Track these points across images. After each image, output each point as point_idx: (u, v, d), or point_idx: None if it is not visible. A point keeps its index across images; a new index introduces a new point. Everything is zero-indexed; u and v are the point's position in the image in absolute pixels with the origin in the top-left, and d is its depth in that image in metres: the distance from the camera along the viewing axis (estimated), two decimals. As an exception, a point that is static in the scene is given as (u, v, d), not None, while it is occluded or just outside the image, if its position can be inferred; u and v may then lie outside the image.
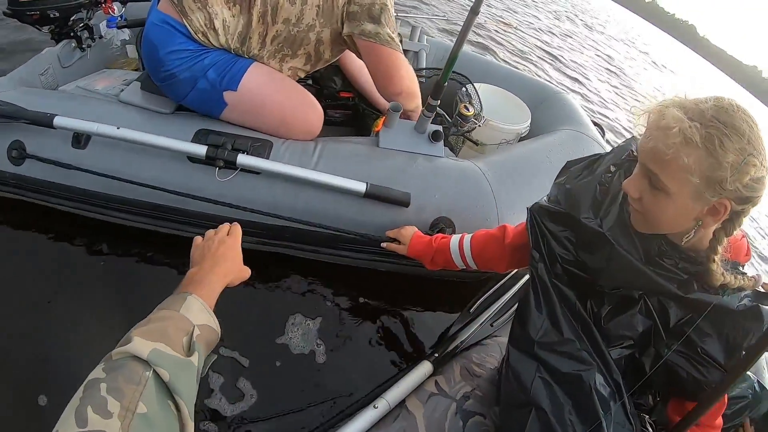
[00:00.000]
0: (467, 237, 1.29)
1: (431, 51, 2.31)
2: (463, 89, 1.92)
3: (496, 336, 1.39)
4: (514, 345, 0.98)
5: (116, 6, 1.95)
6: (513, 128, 1.88)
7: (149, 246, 1.64)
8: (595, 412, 0.82)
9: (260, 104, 1.43)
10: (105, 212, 1.54)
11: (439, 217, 1.44)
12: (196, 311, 0.69)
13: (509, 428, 0.95)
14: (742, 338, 0.78)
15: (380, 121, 1.54)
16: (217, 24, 1.35)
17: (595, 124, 2.07)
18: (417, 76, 1.63)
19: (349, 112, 2.03)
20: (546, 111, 2.01)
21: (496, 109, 1.91)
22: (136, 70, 2.07)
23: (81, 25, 1.85)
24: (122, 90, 1.67)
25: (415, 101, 1.55)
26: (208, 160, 1.34)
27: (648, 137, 0.76)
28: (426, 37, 2.28)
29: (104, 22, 2.00)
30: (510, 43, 6.60)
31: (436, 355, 1.27)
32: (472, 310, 1.52)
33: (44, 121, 1.37)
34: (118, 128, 1.36)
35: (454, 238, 1.31)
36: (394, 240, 1.39)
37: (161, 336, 0.60)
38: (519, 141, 1.93)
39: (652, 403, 0.94)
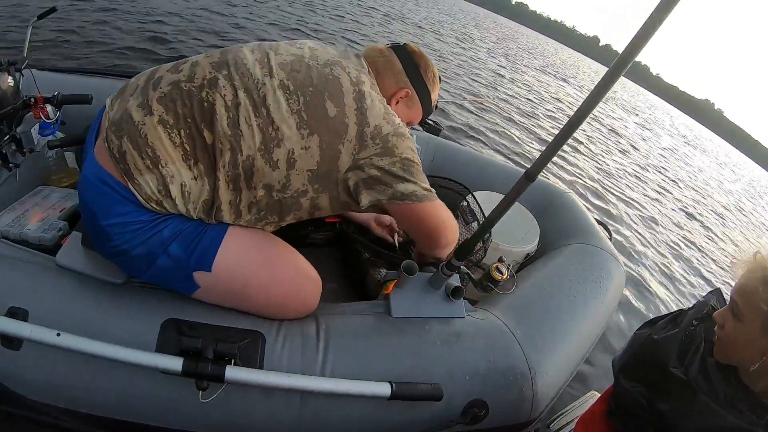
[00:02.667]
0: None
1: (428, 152, 2.08)
2: (464, 203, 1.71)
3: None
4: None
5: (49, 109, 1.56)
6: (523, 250, 1.69)
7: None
8: None
9: (242, 285, 1.12)
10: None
11: (472, 401, 1.22)
12: None
13: None
14: None
15: (391, 285, 1.28)
16: (174, 190, 1.02)
17: (600, 223, 1.94)
18: None
19: (331, 233, 1.75)
20: (552, 220, 1.85)
21: (501, 226, 1.71)
22: (75, 186, 1.73)
23: (6, 138, 1.47)
24: (58, 232, 1.41)
25: (452, 248, 1.30)
26: (185, 375, 1.02)
27: (741, 276, 0.89)
28: (415, 136, 2.03)
29: (35, 128, 1.59)
30: (490, 119, 6.32)
31: None
32: (550, 424, 1.47)
33: None
34: (58, 334, 1.01)
35: None
36: None
37: None
38: (526, 258, 1.75)
39: None
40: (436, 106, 1.36)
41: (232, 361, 1.05)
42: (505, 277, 1.25)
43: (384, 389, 1.09)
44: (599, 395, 1.18)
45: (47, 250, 1.36)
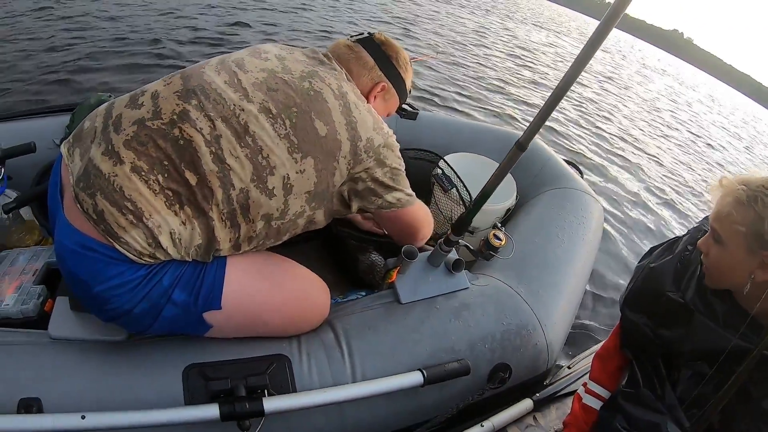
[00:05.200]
0: (590, 386, 1.23)
1: (390, 122, 2.03)
2: (438, 171, 1.72)
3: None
4: None
5: None
6: (503, 206, 1.73)
7: None
8: None
9: (256, 314, 1.11)
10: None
11: (496, 366, 1.28)
12: None
13: None
14: None
15: (394, 272, 1.30)
16: (164, 240, 0.95)
17: (569, 163, 2.00)
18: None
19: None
20: (524, 170, 1.88)
21: (478, 185, 1.74)
22: (40, 241, 1.61)
23: None
24: (38, 299, 1.31)
25: (426, 239, 1.36)
26: (225, 419, 1.01)
27: (715, 203, 0.95)
28: None
29: None
30: (443, 72, 6.06)
31: (537, 395, 1.37)
32: (570, 365, 1.58)
33: None
34: (83, 417, 0.96)
35: (584, 398, 1.22)
36: None
37: None
38: (507, 213, 1.80)
39: None
40: (410, 92, 1.36)
41: (265, 391, 1.06)
42: (503, 242, 1.29)
43: (417, 378, 1.13)
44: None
45: (33, 322, 1.29)
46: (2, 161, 1.46)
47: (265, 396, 1.04)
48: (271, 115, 0.99)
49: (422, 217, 1.27)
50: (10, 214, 1.63)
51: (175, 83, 1.03)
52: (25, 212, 1.67)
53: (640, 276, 1.13)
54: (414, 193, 1.21)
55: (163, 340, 1.14)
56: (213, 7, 6.06)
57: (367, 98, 1.21)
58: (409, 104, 1.37)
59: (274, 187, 1.00)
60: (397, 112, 1.41)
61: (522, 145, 1.06)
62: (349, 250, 1.64)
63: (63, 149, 1.04)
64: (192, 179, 0.95)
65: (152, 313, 1.02)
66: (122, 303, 0.99)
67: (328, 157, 1.03)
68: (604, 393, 1.19)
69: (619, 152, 5.30)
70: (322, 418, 1.11)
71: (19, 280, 1.48)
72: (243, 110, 0.98)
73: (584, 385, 1.24)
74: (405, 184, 1.18)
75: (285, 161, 0.99)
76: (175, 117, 0.97)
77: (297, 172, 1.01)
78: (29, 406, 0.99)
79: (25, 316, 1.39)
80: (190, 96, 0.99)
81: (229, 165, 0.96)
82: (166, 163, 0.95)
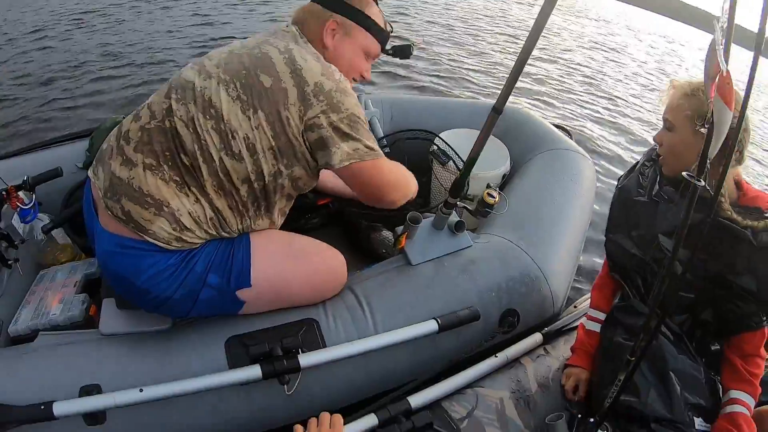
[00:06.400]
0: (590, 313, 1.36)
1: (385, 112, 2.18)
2: (434, 147, 1.84)
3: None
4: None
5: (23, 195, 1.57)
6: (498, 172, 1.85)
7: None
8: (662, 352, 1.11)
9: (286, 287, 1.24)
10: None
11: (504, 312, 1.39)
12: None
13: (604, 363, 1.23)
14: None
15: (403, 237, 1.42)
16: (186, 221, 1.09)
17: (558, 127, 2.11)
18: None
19: (326, 214, 1.87)
20: (515, 138, 2.00)
21: (472, 156, 1.87)
22: (74, 258, 1.75)
23: None
24: (83, 305, 1.43)
25: (409, 196, 1.35)
26: (267, 377, 1.14)
27: (666, 100, 1.13)
28: (369, 100, 2.12)
29: (16, 218, 1.60)
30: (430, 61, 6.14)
31: (546, 329, 1.47)
32: (576, 305, 1.67)
33: (41, 416, 1.06)
34: (141, 390, 1.10)
35: (587, 325, 1.34)
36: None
37: None
38: (503, 179, 1.91)
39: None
40: (391, 27, 1.32)
41: (299, 350, 1.18)
42: (497, 199, 1.40)
43: (432, 326, 1.26)
44: None
45: (81, 326, 1.42)
46: (32, 188, 1.59)
47: (299, 354, 1.17)
48: (224, 83, 1.09)
49: (386, 176, 1.22)
50: (45, 236, 1.77)
51: (162, 89, 1.18)
52: (58, 234, 1.81)
53: (613, 199, 1.31)
54: (379, 149, 1.18)
55: (204, 321, 1.27)
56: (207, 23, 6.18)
57: (324, 44, 1.21)
58: (398, 38, 1.40)
59: (239, 150, 1.08)
60: (385, 51, 1.39)
61: (497, 108, 1.18)
62: (362, 230, 1.77)
63: (90, 172, 1.20)
64: (186, 161, 1.09)
65: (191, 297, 1.16)
66: (162, 290, 1.13)
67: (276, 107, 1.07)
68: (603, 317, 1.31)
69: (606, 113, 5.37)
70: (351, 370, 1.24)
71: (61, 293, 1.60)
72: (206, 88, 1.10)
73: (586, 315, 1.37)
74: (366, 135, 1.15)
75: (241, 122, 1.07)
76: (164, 113, 1.11)
77: (253, 129, 1.08)
78: (90, 390, 1.11)
79: (73, 323, 1.51)
80: (171, 93, 1.13)
81: (204, 141, 1.08)
82: (167, 153, 1.10)
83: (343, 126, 1.10)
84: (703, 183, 0.84)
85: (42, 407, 1.07)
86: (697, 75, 1.11)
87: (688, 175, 0.85)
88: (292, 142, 1.11)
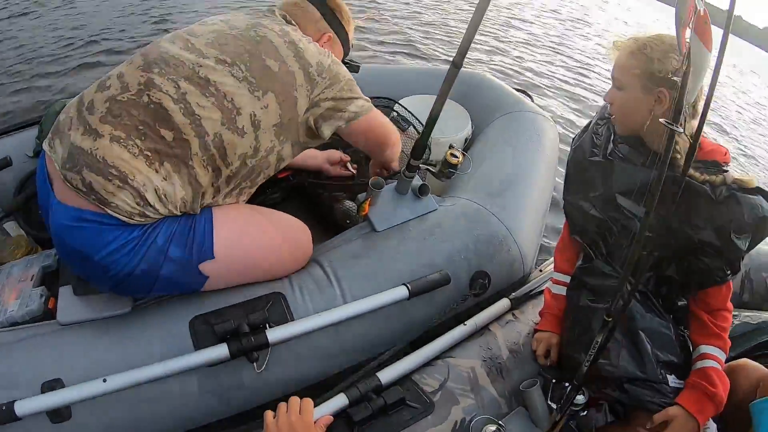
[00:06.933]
0: (555, 276, 1.36)
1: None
2: (394, 114, 1.80)
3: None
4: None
5: None
6: (460, 136, 1.83)
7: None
8: (631, 312, 1.12)
9: (250, 260, 1.21)
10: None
11: (474, 274, 1.39)
12: None
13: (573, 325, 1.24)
14: (728, 222, 1.01)
15: (366, 204, 1.40)
16: (151, 197, 1.06)
17: (520, 91, 2.10)
18: None
19: (285, 187, 1.82)
20: (475, 102, 1.98)
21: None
22: (30, 251, 1.66)
23: None
24: (41, 298, 1.36)
25: (398, 149, 1.46)
26: (234, 356, 1.11)
27: (614, 60, 1.11)
28: None
29: None
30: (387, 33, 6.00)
31: (514, 294, 1.47)
32: (542, 269, 1.66)
33: (3, 417, 0.99)
34: (104, 380, 1.04)
35: (553, 289, 1.35)
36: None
37: None
38: (466, 142, 1.90)
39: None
40: (352, 45, 1.45)
41: (267, 325, 1.15)
42: (460, 159, 1.39)
43: (402, 292, 1.24)
44: None
45: (40, 321, 1.36)
46: None
47: (267, 329, 1.14)
48: (227, 64, 1.11)
49: (386, 120, 1.37)
50: (-2, 230, 1.69)
51: (135, 61, 1.14)
52: (10, 227, 1.72)
53: (568, 160, 1.29)
54: (369, 100, 1.30)
55: (166, 301, 1.22)
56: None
57: None
58: (350, 60, 1.45)
59: (243, 126, 1.11)
60: None
61: (456, 63, 1.15)
62: (324, 202, 1.74)
63: (45, 146, 1.13)
64: (168, 136, 1.07)
65: (152, 273, 1.10)
66: (122, 266, 1.07)
67: (287, 89, 1.15)
68: (568, 280, 1.31)
69: (570, 80, 5.43)
70: (322, 343, 1.22)
71: (18, 287, 1.53)
72: (201, 66, 1.10)
73: (551, 278, 1.37)
74: (361, 93, 1.27)
75: (248, 101, 1.11)
76: (141, 87, 1.08)
77: (261, 108, 1.13)
78: (52, 386, 1.06)
79: (32, 318, 1.45)
80: (152, 66, 1.10)
81: (199, 115, 1.07)
82: (141, 127, 1.06)
83: (345, 92, 1.22)
84: (681, 129, 0.85)
85: (3, 408, 1.01)
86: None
87: (665, 121, 0.86)
88: (295, 119, 1.18)
